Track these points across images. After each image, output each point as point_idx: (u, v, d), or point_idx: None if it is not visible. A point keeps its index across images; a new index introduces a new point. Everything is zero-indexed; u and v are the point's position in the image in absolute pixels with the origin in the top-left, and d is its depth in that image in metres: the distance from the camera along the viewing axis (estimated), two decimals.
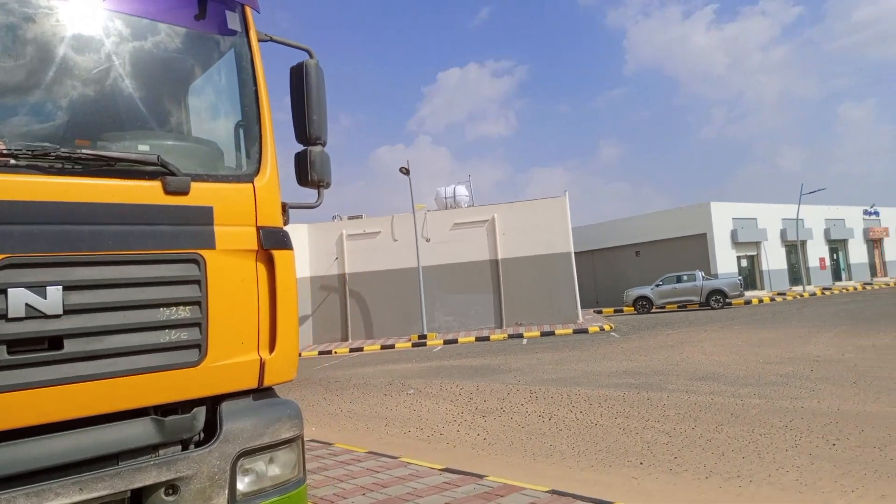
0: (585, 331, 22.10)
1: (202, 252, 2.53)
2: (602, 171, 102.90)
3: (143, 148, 2.55)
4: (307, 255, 26.40)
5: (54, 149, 2.24)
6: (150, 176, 2.43)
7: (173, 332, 2.42)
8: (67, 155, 2.26)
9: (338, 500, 5.09)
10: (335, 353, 22.74)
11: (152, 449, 2.38)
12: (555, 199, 25.47)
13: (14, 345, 2.09)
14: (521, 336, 22.13)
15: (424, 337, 23.76)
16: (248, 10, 2.98)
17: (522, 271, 25.08)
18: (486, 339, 22.44)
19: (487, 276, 25.57)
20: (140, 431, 2.34)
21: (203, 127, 2.99)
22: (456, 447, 7.18)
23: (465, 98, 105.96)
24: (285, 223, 3.02)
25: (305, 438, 6.31)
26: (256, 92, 2.90)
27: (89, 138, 2.49)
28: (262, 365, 2.66)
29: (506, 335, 22.54)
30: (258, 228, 2.72)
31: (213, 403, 2.57)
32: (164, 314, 2.40)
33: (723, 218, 34.49)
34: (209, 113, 2.99)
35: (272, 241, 2.75)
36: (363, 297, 26.34)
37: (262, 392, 2.72)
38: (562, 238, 25.03)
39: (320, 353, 23.02)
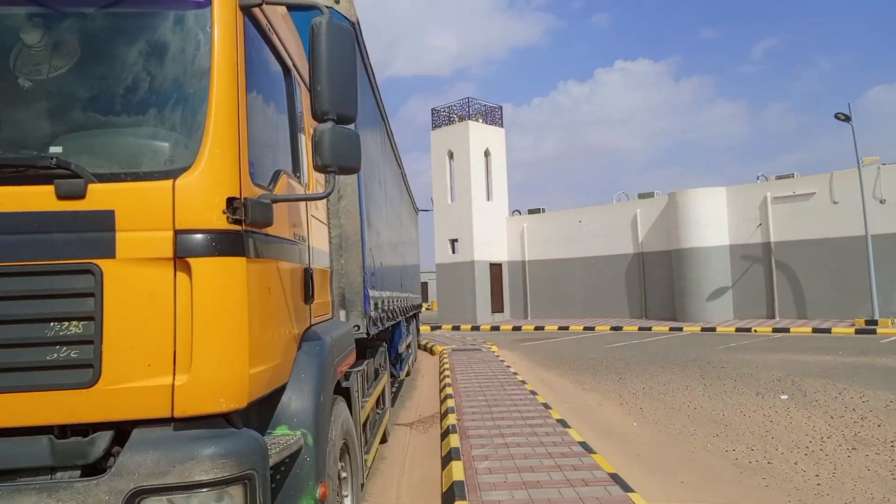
0: None
1: (98, 262, 2.25)
2: None
3: (56, 149, 2.38)
4: (725, 220, 23.92)
5: None
6: (44, 180, 2.25)
7: (63, 348, 2.22)
8: None
9: None
10: (755, 331, 20.15)
11: (49, 471, 2.25)
12: None
13: None
14: None
15: (874, 322, 19.15)
16: None
17: None
18: None
19: None
20: (31, 450, 2.22)
21: (148, 117, 2.66)
22: (788, 493, 5.39)
23: None
24: (257, 222, 2.52)
25: (628, 439, 5.76)
26: (210, 69, 2.45)
27: (14, 142, 2.44)
28: (173, 391, 2.26)
29: None
30: (175, 233, 2.30)
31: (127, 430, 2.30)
32: (53, 329, 2.22)
33: None
34: (156, 100, 2.65)
35: (191, 248, 2.30)
36: (793, 270, 22.60)
37: (199, 421, 2.33)
38: None
39: (737, 329, 20.73)
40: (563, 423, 6.96)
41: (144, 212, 2.30)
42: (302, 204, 3.49)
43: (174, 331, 2.28)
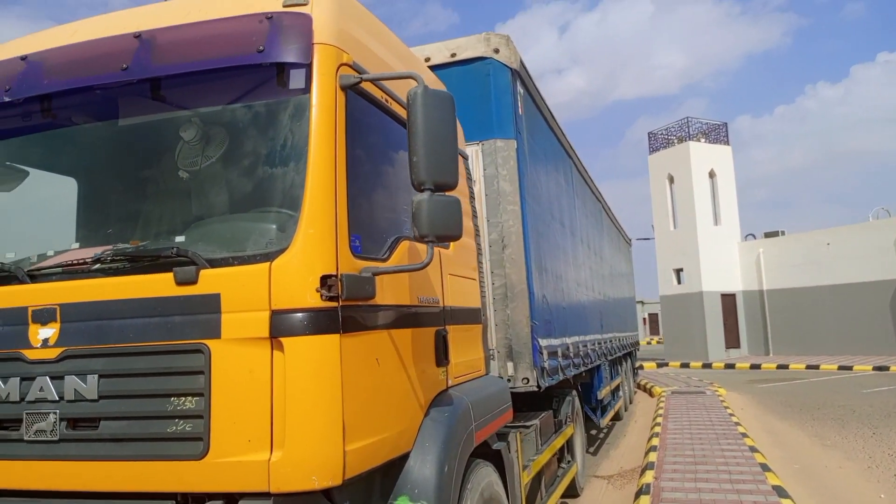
0: None
1: (207, 342, 2.42)
2: None
3: (180, 238, 2.62)
4: None
5: (103, 255, 2.60)
6: (166, 268, 2.50)
7: (179, 422, 2.42)
8: (97, 258, 2.59)
9: None
10: None
11: None
12: None
13: (68, 423, 2.53)
14: None
15: None
16: (322, 52, 2.64)
17: None
18: None
19: None
20: None
21: (254, 201, 2.79)
22: None
23: None
24: (357, 296, 2.54)
25: None
26: (307, 150, 2.55)
27: (143, 237, 2.75)
28: (269, 467, 2.34)
29: None
30: (271, 313, 2.40)
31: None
32: (173, 404, 2.43)
33: None
34: (262, 185, 2.77)
35: (284, 327, 2.38)
36: None
37: (297, 496, 2.37)
38: None
39: None
40: (779, 490, 6.01)
41: (245, 294, 2.44)
42: (433, 264, 3.47)
43: (271, 408, 2.37)
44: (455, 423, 3.23)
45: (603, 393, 9.28)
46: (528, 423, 5.40)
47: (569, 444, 6.65)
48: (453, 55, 5.62)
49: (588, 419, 8.88)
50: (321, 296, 2.43)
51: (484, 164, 5.47)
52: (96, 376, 2.51)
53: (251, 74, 2.71)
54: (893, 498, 6.47)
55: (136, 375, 2.50)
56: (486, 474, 3.58)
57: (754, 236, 29.00)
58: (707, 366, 24.52)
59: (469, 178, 4.46)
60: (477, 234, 4.44)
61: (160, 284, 2.50)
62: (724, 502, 5.75)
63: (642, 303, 54.09)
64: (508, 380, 5.25)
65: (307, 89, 2.63)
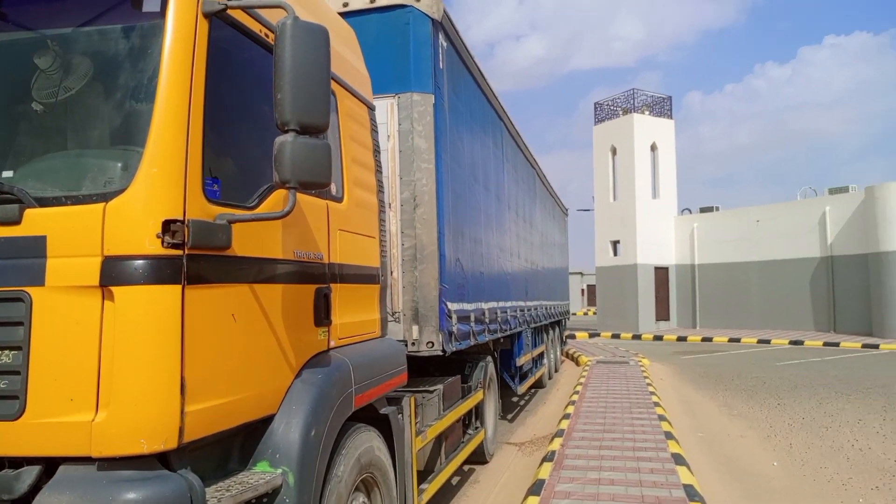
0: None
1: (29, 289, 2.17)
2: None
3: (7, 174, 2.34)
4: None
5: None
6: None
7: None
8: None
9: None
10: None
11: None
12: None
13: None
14: None
15: None
16: None
17: None
18: None
19: None
20: None
21: (97, 137, 2.51)
22: None
23: None
24: (208, 245, 2.32)
25: None
26: (156, 83, 2.28)
27: None
28: (91, 428, 2.12)
29: None
30: (104, 259, 2.15)
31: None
32: None
33: None
34: (107, 120, 2.49)
35: (116, 275, 2.14)
36: None
37: (128, 461, 2.16)
38: None
39: None
40: (678, 458, 6.12)
41: (75, 237, 2.18)
42: (316, 217, 3.25)
43: (98, 364, 2.14)
44: (328, 385, 3.06)
45: (522, 360, 9.30)
46: (431, 388, 5.30)
47: (478, 410, 6.60)
48: (373, 1, 5.32)
49: (506, 386, 8.91)
50: (162, 242, 2.19)
51: (399, 119, 5.24)
52: None
53: None
54: (785, 466, 6.69)
55: None
56: (365, 439, 3.44)
57: (690, 211, 29.66)
58: (637, 337, 25.15)
59: (374, 131, 4.22)
60: (380, 191, 4.22)
61: None
62: (623, 469, 5.80)
63: (581, 274, 55.20)
64: (413, 343, 5.12)
65: (162, 13, 2.35)
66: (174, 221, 2.21)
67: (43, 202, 2.22)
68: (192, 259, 2.27)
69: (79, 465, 2.16)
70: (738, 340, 22.04)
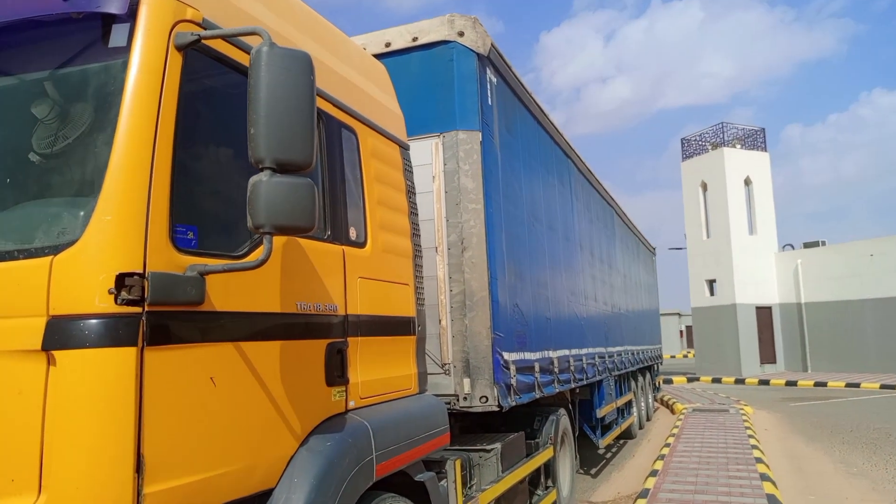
0: None
1: None
2: None
3: None
4: None
5: None
6: None
7: None
8: None
9: None
10: None
11: None
12: None
13: None
14: None
15: None
16: (151, 4, 2.18)
17: None
18: None
19: None
20: None
21: (56, 185, 2.30)
22: None
23: None
24: (174, 300, 2.06)
25: None
26: (117, 123, 2.08)
27: None
28: None
29: None
30: (49, 320, 1.92)
31: None
32: None
33: None
34: (66, 165, 2.28)
35: (60, 337, 1.90)
36: None
37: None
38: None
39: None
40: None
41: (20, 295, 1.98)
42: (328, 264, 2.96)
43: (41, 440, 1.89)
44: (338, 453, 2.71)
45: (604, 411, 8.61)
46: (488, 447, 4.84)
47: (548, 468, 6.03)
48: (415, 39, 5.13)
49: (587, 439, 8.25)
50: (115, 298, 1.94)
51: (444, 158, 4.95)
52: None
53: (73, 31, 2.27)
54: None
55: None
56: None
57: (792, 246, 27.70)
58: (740, 381, 23.37)
59: (407, 171, 3.94)
60: (415, 234, 3.91)
61: None
62: None
63: (679, 314, 52.64)
64: (465, 398, 4.70)
65: (128, 49, 2.17)
66: (130, 275, 1.97)
67: None
68: (154, 316, 2.02)
69: None
70: (856, 385, 19.97)
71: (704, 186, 27.50)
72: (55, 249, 1.99)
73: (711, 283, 27.07)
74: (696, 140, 28.52)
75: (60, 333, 1.91)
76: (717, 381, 24.00)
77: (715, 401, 16.35)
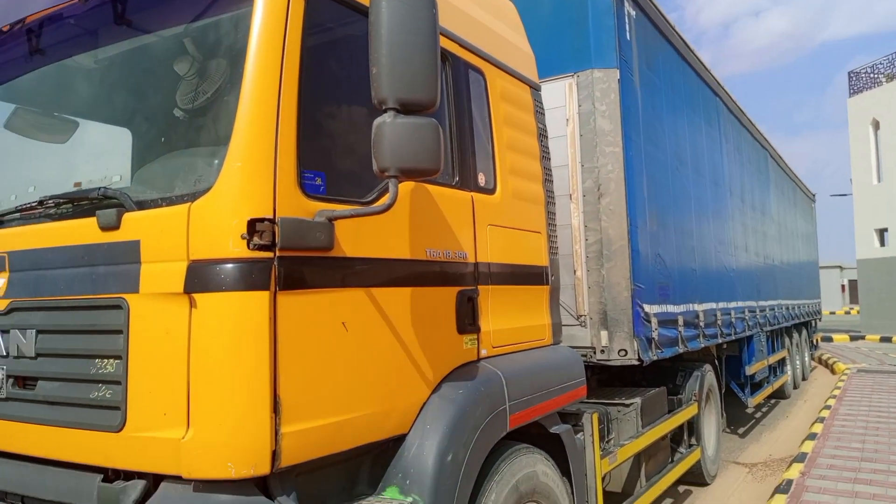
0: None
1: (126, 296, 2.08)
2: None
3: (115, 178, 2.29)
4: None
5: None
6: (92, 212, 2.19)
7: (101, 387, 2.11)
8: (38, 202, 2.35)
9: None
10: None
11: None
12: None
13: (14, 381, 2.34)
14: None
15: None
16: None
17: None
18: None
19: None
20: (83, 487, 2.14)
21: (195, 135, 2.34)
22: None
23: None
24: (303, 245, 2.08)
25: None
26: (243, 71, 2.09)
27: (86, 177, 2.43)
28: (181, 447, 1.95)
29: None
30: (189, 264, 1.99)
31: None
32: (96, 366, 2.13)
33: None
34: (202, 117, 2.30)
35: (199, 281, 1.96)
36: None
37: (223, 484, 1.97)
38: None
39: None
40: None
41: (164, 241, 2.07)
42: (457, 211, 2.87)
43: (187, 377, 1.98)
44: (471, 401, 2.67)
45: (754, 368, 8.03)
46: (627, 402, 4.65)
47: (692, 426, 5.73)
48: None
49: (734, 397, 7.77)
50: (248, 244, 1.98)
51: (579, 100, 4.69)
52: (34, 331, 2.30)
53: None
54: None
55: (65, 332, 2.27)
56: (527, 464, 2.98)
57: None
58: None
59: (539, 113, 3.75)
60: (548, 180, 3.74)
61: (88, 230, 2.20)
62: None
63: (840, 268, 48.17)
64: (602, 351, 4.52)
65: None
66: (261, 220, 2.00)
67: (142, 205, 2.15)
68: (286, 262, 2.04)
69: (178, 483, 2.02)
70: None
71: (876, 124, 24.53)
72: (193, 197, 2.05)
73: (882, 232, 24.34)
74: (866, 73, 25.40)
75: (200, 277, 1.98)
76: (886, 339, 21.72)
77: (885, 361, 14.84)
